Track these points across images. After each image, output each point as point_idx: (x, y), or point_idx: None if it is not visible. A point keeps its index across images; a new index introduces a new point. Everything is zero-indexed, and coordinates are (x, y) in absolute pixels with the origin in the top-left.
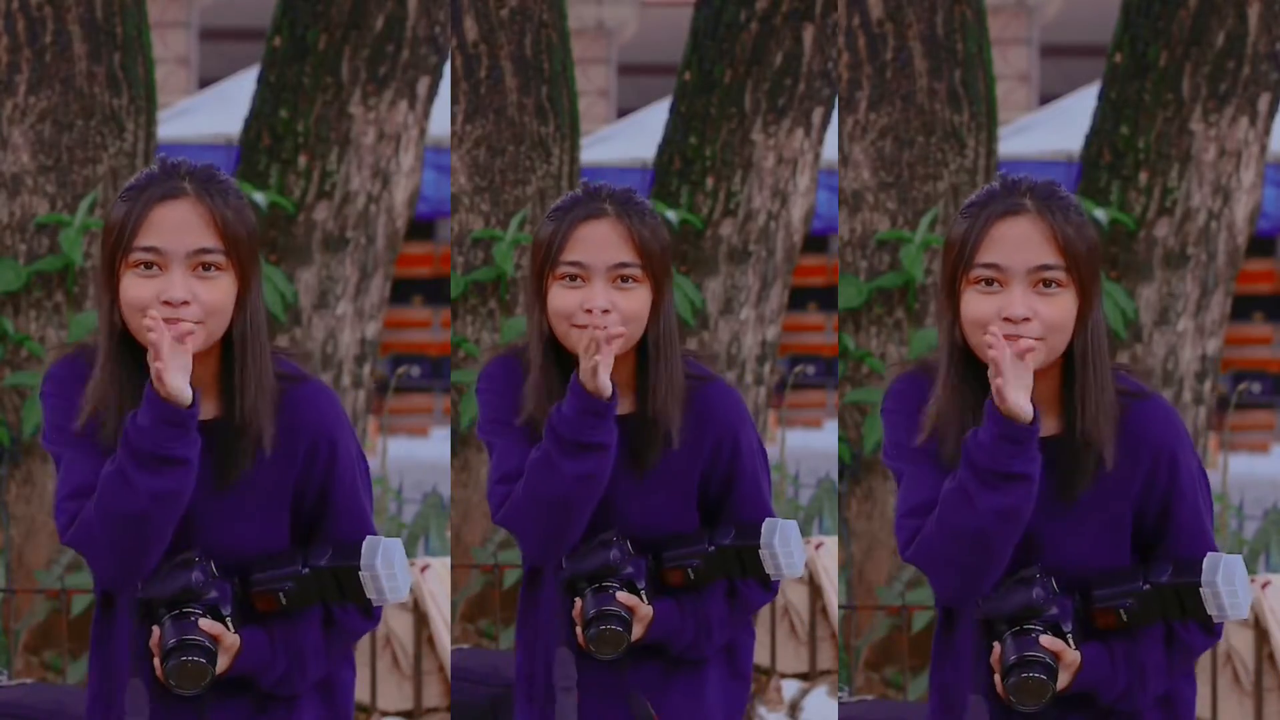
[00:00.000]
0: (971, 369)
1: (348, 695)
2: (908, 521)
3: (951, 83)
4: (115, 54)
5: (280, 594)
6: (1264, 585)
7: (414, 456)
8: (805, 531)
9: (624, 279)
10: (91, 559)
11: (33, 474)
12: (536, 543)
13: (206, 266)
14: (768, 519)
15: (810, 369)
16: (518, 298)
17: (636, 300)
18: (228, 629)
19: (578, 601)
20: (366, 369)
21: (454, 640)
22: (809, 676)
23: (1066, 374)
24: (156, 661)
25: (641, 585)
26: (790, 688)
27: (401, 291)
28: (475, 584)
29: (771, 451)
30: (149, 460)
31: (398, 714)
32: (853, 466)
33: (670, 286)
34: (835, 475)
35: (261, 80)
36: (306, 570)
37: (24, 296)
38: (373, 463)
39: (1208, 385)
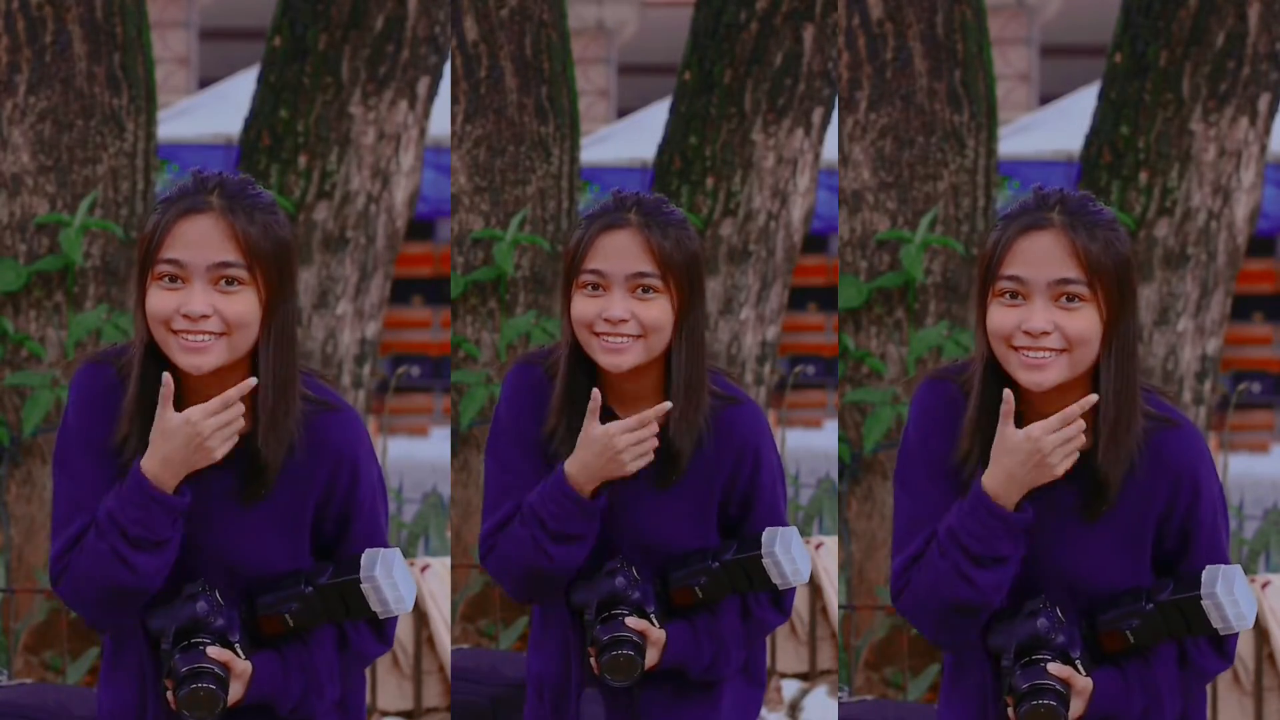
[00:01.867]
0: (1000, 383)
1: (360, 698)
2: (904, 572)
3: (951, 83)
4: (115, 54)
5: (286, 616)
6: (1264, 585)
7: (414, 456)
8: (805, 531)
9: (644, 289)
10: (85, 617)
11: (33, 474)
12: (521, 596)
13: (229, 281)
14: (768, 528)
15: (810, 369)
16: (518, 297)
17: (656, 310)
18: (237, 655)
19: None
20: (366, 369)
21: (454, 640)
22: (809, 676)
23: (1094, 392)
24: (170, 695)
25: (651, 609)
26: (790, 688)
27: (401, 291)
28: (475, 584)
29: None
30: (144, 545)
31: (398, 714)
32: (853, 466)
33: (697, 299)
34: (835, 475)
35: (261, 80)
36: (310, 590)
37: (24, 296)
38: None
39: (1208, 385)
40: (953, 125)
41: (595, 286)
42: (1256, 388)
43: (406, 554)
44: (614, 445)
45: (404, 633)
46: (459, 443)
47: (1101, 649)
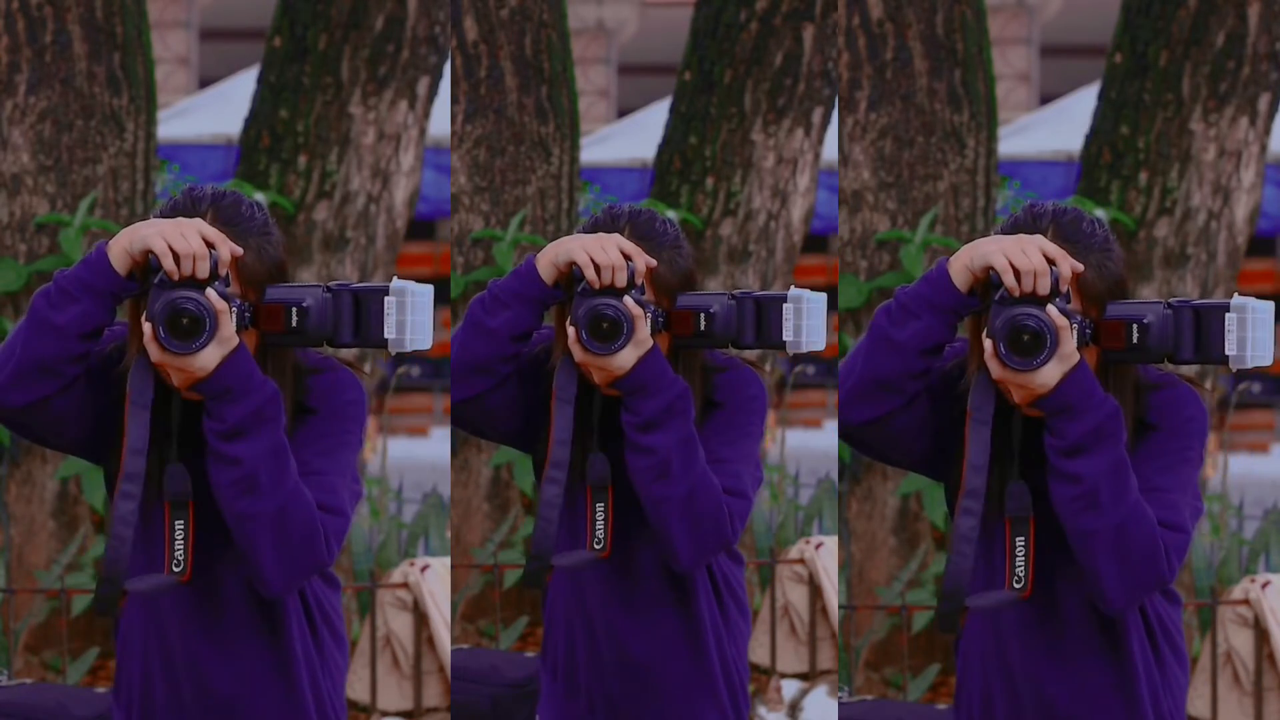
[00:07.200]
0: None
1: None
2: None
3: (951, 83)
4: (115, 54)
5: (293, 311)
6: (1264, 585)
7: (414, 456)
8: (805, 531)
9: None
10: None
11: (33, 474)
12: (462, 358)
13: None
14: (793, 288)
15: (810, 369)
16: None
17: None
18: (230, 320)
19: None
20: (366, 369)
21: (454, 640)
22: (809, 676)
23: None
24: (146, 327)
25: (649, 313)
26: (790, 688)
27: None
28: (475, 584)
29: (771, 451)
30: (63, 300)
31: (398, 714)
32: (853, 466)
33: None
34: (835, 475)
35: (261, 80)
36: (329, 293)
37: (24, 296)
38: (373, 462)
39: (1208, 385)
40: (953, 125)
41: None
42: (1256, 388)
43: (406, 554)
44: (599, 238)
45: (404, 633)
46: (459, 443)
47: (1097, 341)
